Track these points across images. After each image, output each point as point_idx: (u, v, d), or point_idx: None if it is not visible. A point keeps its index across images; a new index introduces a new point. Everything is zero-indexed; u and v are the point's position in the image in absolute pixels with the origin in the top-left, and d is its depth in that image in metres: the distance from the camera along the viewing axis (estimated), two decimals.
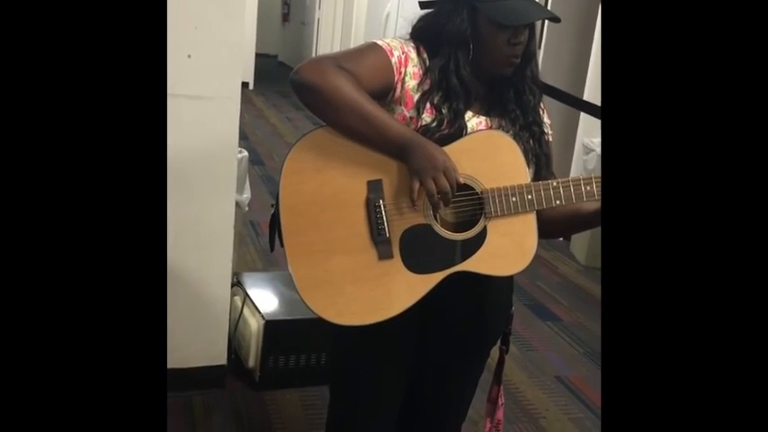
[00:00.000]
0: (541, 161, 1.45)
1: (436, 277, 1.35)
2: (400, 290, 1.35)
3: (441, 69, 1.37)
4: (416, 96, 1.37)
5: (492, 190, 1.35)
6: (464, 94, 1.37)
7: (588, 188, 1.36)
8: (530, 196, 1.35)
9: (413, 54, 1.38)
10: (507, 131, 1.40)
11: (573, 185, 1.36)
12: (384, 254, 1.35)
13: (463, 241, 1.36)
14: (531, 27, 1.39)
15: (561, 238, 4.58)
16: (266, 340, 2.52)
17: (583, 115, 4.46)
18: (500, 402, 1.63)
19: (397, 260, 1.35)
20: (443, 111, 1.36)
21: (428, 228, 1.36)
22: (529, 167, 1.40)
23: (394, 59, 1.35)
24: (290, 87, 1.34)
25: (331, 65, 1.31)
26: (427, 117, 1.36)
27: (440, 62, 1.37)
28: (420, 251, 1.36)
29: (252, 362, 2.57)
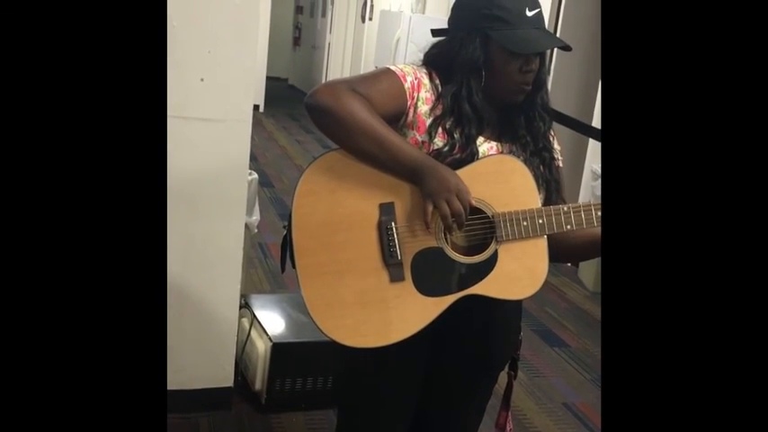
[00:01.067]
0: (552, 187, 1.46)
1: (447, 300, 1.36)
2: (411, 313, 1.36)
3: (453, 96, 1.38)
4: (429, 121, 1.38)
5: (503, 214, 1.36)
6: (476, 119, 1.38)
7: (599, 213, 1.37)
8: (541, 221, 1.36)
9: (425, 80, 1.40)
10: (518, 157, 1.41)
11: (584, 211, 1.37)
12: (396, 276, 1.36)
13: (474, 265, 1.36)
14: (542, 55, 1.41)
15: (569, 264, 4.57)
16: (273, 363, 2.52)
17: (591, 142, 4.47)
18: (508, 428, 1.62)
19: (408, 283, 1.36)
20: (455, 136, 1.38)
21: (440, 251, 1.36)
22: (539, 193, 1.41)
23: (407, 84, 1.37)
24: (300, 110, 1.38)
25: (345, 89, 1.33)
26: (439, 141, 1.38)
27: (452, 88, 1.39)
28: (431, 274, 1.36)
29: (258, 384, 2.56)
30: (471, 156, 1.38)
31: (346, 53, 9.94)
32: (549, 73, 1.49)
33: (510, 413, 1.62)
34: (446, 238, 1.37)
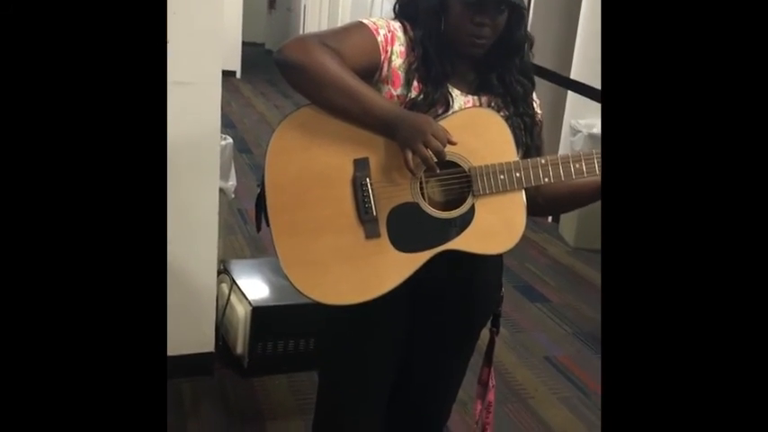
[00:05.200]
0: (532, 152, 1.44)
1: (424, 256, 1.34)
2: (387, 269, 1.34)
3: (419, 41, 1.36)
4: (403, 74, 1.36)
5: (480, 167, 1.34)
6: (440, 63, 1.36)
7: (577, 166, 1.36)
8: (518, 174, 1.34)
9: (399, 33, 1.38)
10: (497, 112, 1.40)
11: (561, 163, 1.35)
12: (371, 233, 1.34)
13: (451, 219, 1.35)
14: (517, 16, 1.38)
15: (550, 220, 4.58)
16: (254, 327, 2.52)
17: (570, 97, 4.46)
18: (491, 384, 1.63)
19: (384, 239, 1.35)
20: (428, 85, 1.36)
21: (415, 206, 1.35)
22: (518, 155, 1.39)
23: (380, 38, 1.35)
24: (279, 75, 1.34)
25: (315, 42, 1.30)
26: (414, 93, 1.36)
27: (419, 33, 1.37)
28: (407, 230, 1.35)
29: (240, 348, 2.56)
30: (446, 105, 1.36)
31: (322, 15, 9.79)
32: (528, 37, 1.44)
33: (492, 369, 1.63)
34: (422, 193, 1.35)
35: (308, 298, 1.35)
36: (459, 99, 1.40)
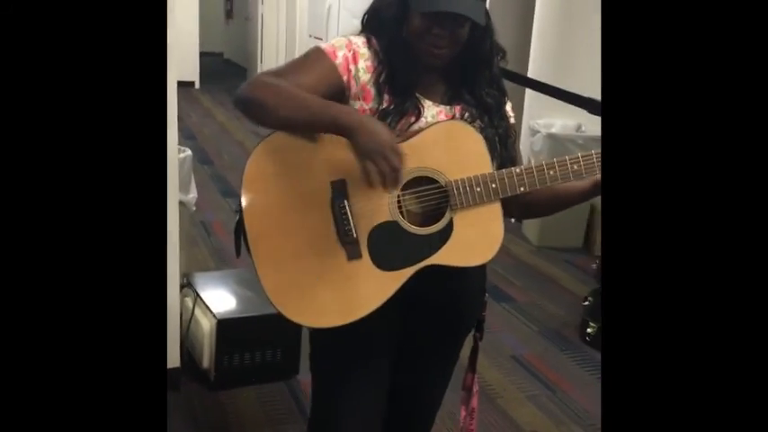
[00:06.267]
0: (507, 163, 1.43)
1: (406, 273, 1.35)
2: (372, 289, 1.35)
3: (383, 51, 1.37)
4: (373, 88, 1.36)
5: (456, 181, 1.35)
6: (405, 73, 1.36)
7: (552, 173, 1.37)
8: (494, 185, 1.35)
9: (362, 49, 1.37)
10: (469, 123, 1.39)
11: (536, 171, 1.37)
12: (353, 254, 1.34)
13: (430, 235, 1.35)
14: (479, 30, 1.36)
15: (513, 220, 4.62)
16: (219, 340, 2.50)
17: (528, 98, 4.51)
18: (474, 390, 1.63)
19: (366, 259, 1.34)
20: (397, 95, 1.36)
21: (395, 224, 1.35)
22: (492, 167, 1.39)
23: (338, 60, 1.35)
24: (238, 84, 1.34)
25: (269, 76, 1.32)
26: (385, 104, 1.36)
27: (383, 44, 1.37)
28: (388, 248, 1.35)
29: (206, 362, 2.54)
30: (417, 114, 1.36)
31: (280, 23, 9.75)
32: (496, 50, 1.43)
33: (476, 374, 1.63)
34: (401, 211, 1.35)
35: (297, 323, 1.35)
36: (432, 109, 1.39)
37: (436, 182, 1.36)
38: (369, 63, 1.36)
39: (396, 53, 1.36)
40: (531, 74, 4.28)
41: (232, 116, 7.70)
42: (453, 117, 1.40)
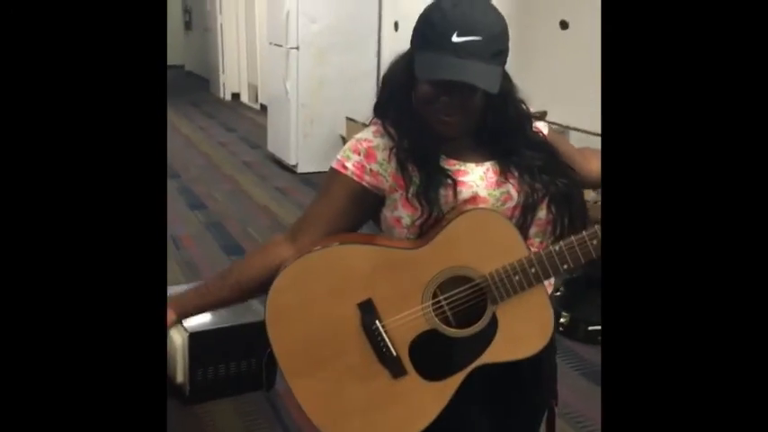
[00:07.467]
0: (575, 222, 1.33)
1: (457, 379, 1.29)
2: (424, 402, 1.30)
3: (395, 125, 1.29)
4: (399, 170, 1.29)
5: (492, 274, 1.25)
6: (420, 141, 1.28)
7: (594, 242, 1.24)
8: (533, 269, 1.25)
9: (375, 141, 1.31)
10: (517, 177, 1.31)
11: (578, 245, 1.24)
12: (397, 372, 1.28)
13: (474, 335, 1.27)
14: (505, 95, 1.26)
15: None
16: (192, 353, 2.47)
17: None
18: None
19: (412, 375, 1.29)
20: (420, 166, 1.28)
21: (434, 332, 1.28)
22: (555, 233, 1.32)
23: (349, 171, 1.31)
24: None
25: (283, 246, 1.35)
26: (416, 179, 1.28)
27: (395, 117, 1.30)
28: (433, 358, 1.29)
29: (180, 377, 2.51)
30: (453, 184, 1.27)
31: (240, 32, 9.73)
32: (523, 115, 1.34)
33: None
34: (438, 317, 1.28)
35: None
36: (477, 170, 1.30)
37: (470, 279, 1.27)
38: (387, 151, 1.30)
39: (407, 123, 1.29)
40: None
41: (197, 128, 7.67)
42: (500, 172, 1.31)
